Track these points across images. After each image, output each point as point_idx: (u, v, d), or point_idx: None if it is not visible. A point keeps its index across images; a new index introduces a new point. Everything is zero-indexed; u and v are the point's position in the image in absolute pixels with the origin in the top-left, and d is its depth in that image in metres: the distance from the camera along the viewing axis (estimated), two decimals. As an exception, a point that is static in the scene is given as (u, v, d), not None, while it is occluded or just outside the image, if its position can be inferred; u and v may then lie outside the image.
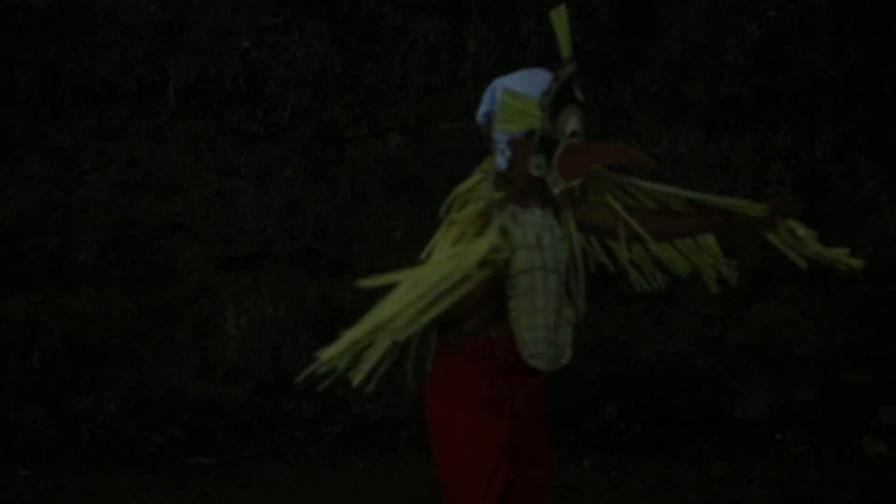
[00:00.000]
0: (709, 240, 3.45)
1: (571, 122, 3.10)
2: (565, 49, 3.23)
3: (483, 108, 3.19)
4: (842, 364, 7.02)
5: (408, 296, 2.85)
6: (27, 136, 7.08)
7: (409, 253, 3.24)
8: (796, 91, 6.88)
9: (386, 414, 7.00)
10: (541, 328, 3.13)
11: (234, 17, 6.95)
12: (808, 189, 6.93)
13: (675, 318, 7.04)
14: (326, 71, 6.93)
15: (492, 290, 2.99)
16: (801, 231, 3.35)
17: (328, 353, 2.82)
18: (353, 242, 7.03)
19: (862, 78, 6.83)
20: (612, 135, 6.88)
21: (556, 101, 3.08)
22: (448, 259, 2.91)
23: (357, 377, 2.89)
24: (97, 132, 7.09)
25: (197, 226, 7.02)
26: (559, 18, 3.27)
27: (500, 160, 3.15)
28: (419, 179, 7.03)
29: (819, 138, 6.93)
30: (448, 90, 7.03)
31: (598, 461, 6.64)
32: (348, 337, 2.84)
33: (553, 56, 7.17)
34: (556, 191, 3.12)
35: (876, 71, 6.82)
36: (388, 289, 2.75)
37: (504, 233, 2.99)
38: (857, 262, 3.29)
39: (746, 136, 6.96)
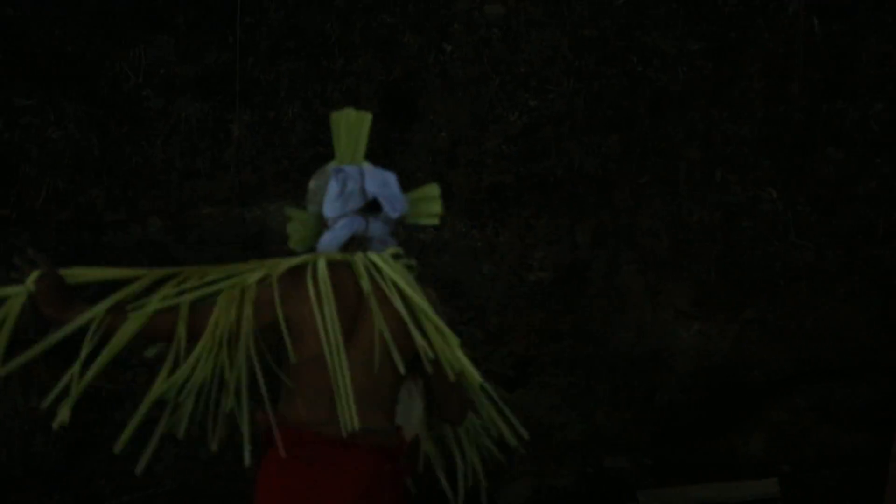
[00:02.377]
0: None
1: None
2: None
3: None
4: (601, 449, 7.06)
5: None
6: None
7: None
8: (557, 179, 6.94)
9: (144, 505, 6.79)
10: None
11: None
12: (568, 276, 7.00)
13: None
14: (84, 154, 6.69)
15: None
16: None
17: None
18: (110, 329, 6.80)
19: (618, 168, 6.94)
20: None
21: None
22: None
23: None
24: None
25: None
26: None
27: None
28: (181, 264, 6.81)
29: (579, 226, 6.99)
30: (211, 174, 6.85)
31: None
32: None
33: (317, 141, 7.09)
34: None
35: (631, 162, 6.94)
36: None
37: None
38: None
39: (510, 223, 6.97)
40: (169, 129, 6.81)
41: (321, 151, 6.89)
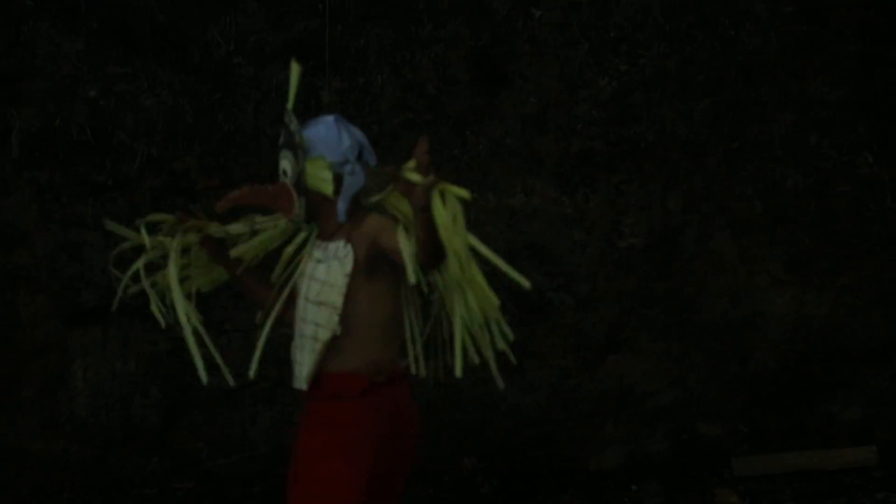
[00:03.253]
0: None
1: (281, 162, 3.66)
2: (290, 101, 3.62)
3: None
4: (695, 416, 7.01)
5: None
6: None
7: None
8: (648, 145, 6.88)
9: (238, 469, 6.83)
10: (294, 347, 3.64)
11: (81, 65, 6.70)
12: (660, 243, 6.95)
13: (530, 371, 6.96)
14: (177, 121, 6.75)
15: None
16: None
17: None
18: (202, 294, 6.85)
19: (711, 133, 6.87)
20: (467, 188, 6.81)
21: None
22: None
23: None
24: None
25: (42, 278, 6.76)
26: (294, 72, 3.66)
27: None
28: None
29: (670, 192, 6.93)
30: None
31: None
32: None
33: (407, 108, 7.10)
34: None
35: (723, 127, 6.86)
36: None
37: None
38: None
39: (600, 189, 6.93)
40: (260, 95, 6.85)
41: (410, 117, 6.90)
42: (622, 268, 6.93)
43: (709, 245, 6.93)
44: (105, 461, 6.81)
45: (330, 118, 3.63)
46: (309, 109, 6.84)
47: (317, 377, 3.54)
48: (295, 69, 3.66)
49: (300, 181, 3.57)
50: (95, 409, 6.82)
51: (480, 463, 7.01)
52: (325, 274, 3.53)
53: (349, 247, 3.52)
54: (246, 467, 6.81)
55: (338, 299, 3.47)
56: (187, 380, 6.54)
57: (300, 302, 3.59)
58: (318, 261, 3.58)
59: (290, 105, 3.62)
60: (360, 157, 3.63)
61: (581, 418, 6.99)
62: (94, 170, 6.75)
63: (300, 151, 3.54)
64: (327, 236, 3.63)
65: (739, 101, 6.89)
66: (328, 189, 3.56)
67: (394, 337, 3.65)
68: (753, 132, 6.91)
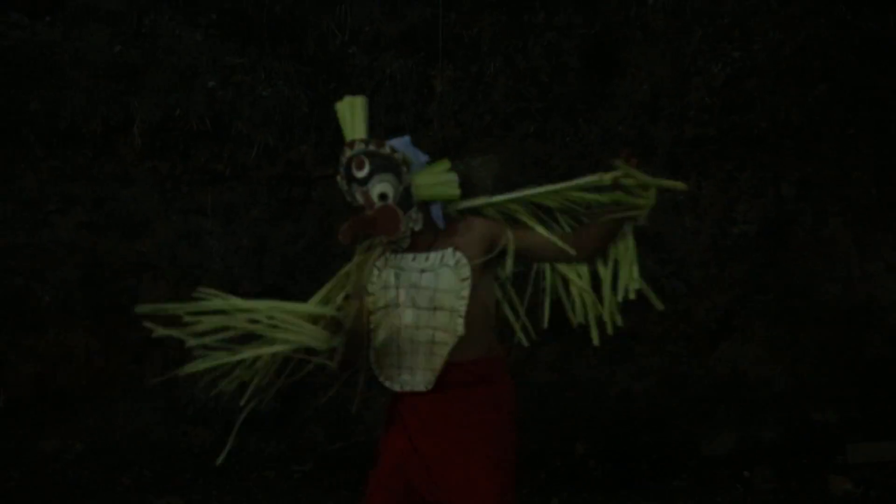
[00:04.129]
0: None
1: (375, 188, 3.63)
2: (347, 133, 3.63)
3: None
4: (808, 402, 7.03)
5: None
6: (-9, 179, 6.96)
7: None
8: (761, 132, 6.87)
9: (355, 452, 6.97)
10: (393, 355, 3.66)
11: (200, 57, 6.85)
12: (773, 229, 6.95)
13: (642, 357, 7.02)
14: (293, 111, 6.86)
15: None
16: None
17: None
18: (321, 281, 6.96)
19: (825, 120, 6.85)
20: (580, 174, 6.87)
21: (345, 178, 3.65)
22: (286, 315, 3.60)
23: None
24: (62, 173, 6.96)
25: (163, 265, 6.93)
26: (344, 108, 3.66)
27: None
28: None
29: (784, 179, 6.93)
30: (415, 129, 6.98)
31: (567, 498, 6.61)
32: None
33: (519, 96, 7.11)
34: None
35: (838, 113, 6.84)
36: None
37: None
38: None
39: (713, 176, 6.95)
40: (374, 85, 6.94)
41: (523, 106, 6.95)
42: (734, 254, 6.95)
43: (823, 232, 6.92)
44: (225, 444, 6.94)
45: (405, 138, 3.74)
46: (422, 98, 6.93)
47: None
48: (355, 102, 3.67)
49: (407, 197, 3.66)
50: (215, 394, 6.96)
51: (592, 448, 7.08)
52: (435, 281, 3.66)
53: (458, 253, 3.64)
54: (362, 450, 6.93)
55: (457, 302, 3.63)
56: (302, 363, 6.68)
57: (405, 311, 3.67)
58: (422, 270, 3.68)
59: (353, 135, 3.63)
60: None
61: (692, 404, 7.03)
62: (212, 159, 6.90)
63: (404, 168, 3.64)
64: (423, 247, 3.72)
65: (855, 87, 6.86)
66: (454, 191, 3.69)
67: (495, 320, 3.82)
68: (868, 118, 6.88)
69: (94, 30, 6.83)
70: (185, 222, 6.94)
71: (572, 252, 3.67)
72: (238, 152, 6.85)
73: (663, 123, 6.93)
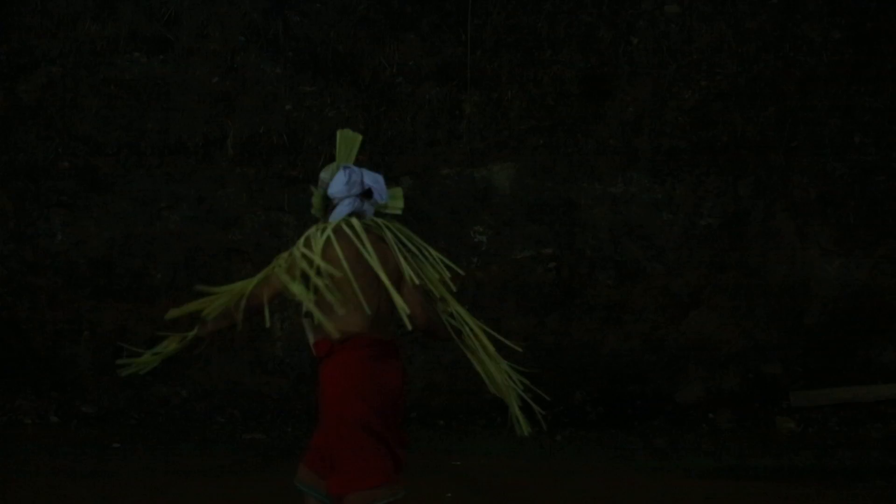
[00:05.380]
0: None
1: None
2: (342, 158, 4.06)
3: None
4: (760, 359, 8.49)
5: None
6: (116, 182, 8.35)
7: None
8: (723, 144, 8.44)
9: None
10: None
11: (279, 85, 8.40)
12: (732, 222, 8.52)
13: (628, 323, 8.48)
14: (352, 127, 8.06)
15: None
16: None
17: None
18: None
19: (774, 135, 8.42)
20: (579, 179, 8.46)
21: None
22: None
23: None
24: (171, 177, 8.37)
25: (250, 251, 8.32)
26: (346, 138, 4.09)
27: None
28: (426, 213, 8.45)
29: (741, 182, 8.48)
30: (448, 143, 8.49)
31: (568, 436, 7.62)
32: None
33: (531, 116, 8.73)
34: None
35: (784, 130, 8.41)
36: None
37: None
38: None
39: (685, 180, 8.50)
40: (416, 108, 8.50)
41: (534, 124, 8.53)
42: (702, 242, 8.49)
43: (771, 224, 8.48)
44: (298, 391, 8.32)
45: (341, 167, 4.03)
46: (454, 118, 8.49)
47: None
48: (349, 137, 4.08)
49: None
50: (290, 351, 8.38)
51: (588, 395, 8.45)
52: None
53: None
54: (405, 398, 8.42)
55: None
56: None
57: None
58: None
59: (346, 161, 4.01)
60: (369, 195, 3.96)
61: (668, 361, 8.51)
62: (289, 166, 8.41)
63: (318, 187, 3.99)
64: None
65: (797, 109, 8.44)
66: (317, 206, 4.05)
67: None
68: (808, 134, 8.45)
69: (196, 65, 8.41)
70: (267, 217, 8.37)
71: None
72: (309, 161, 8.26)
73: (645, 137, 8.52)
